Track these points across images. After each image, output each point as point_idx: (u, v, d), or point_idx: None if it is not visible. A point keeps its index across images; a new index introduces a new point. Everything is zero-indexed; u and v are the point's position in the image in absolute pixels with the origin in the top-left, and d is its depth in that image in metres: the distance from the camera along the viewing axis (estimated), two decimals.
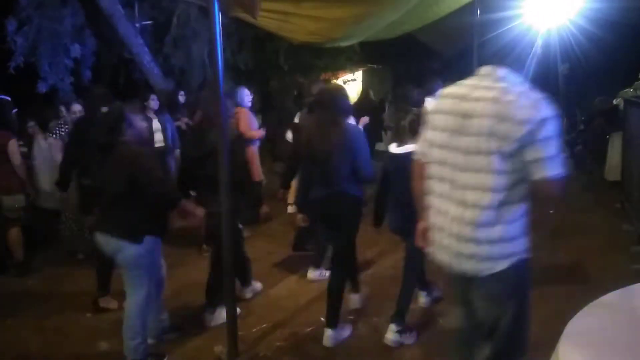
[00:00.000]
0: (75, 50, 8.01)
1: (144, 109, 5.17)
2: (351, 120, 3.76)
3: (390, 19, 4.27)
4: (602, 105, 8.01)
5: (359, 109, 6.31)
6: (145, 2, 9.08)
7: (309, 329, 3.47)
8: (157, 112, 5.54)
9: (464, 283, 2.07)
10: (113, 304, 3.83)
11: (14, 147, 4.44)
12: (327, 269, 4.23)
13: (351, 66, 12.84)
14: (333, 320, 3.30)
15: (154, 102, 5.58)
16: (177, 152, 5.83)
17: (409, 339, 3.27)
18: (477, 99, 1.90)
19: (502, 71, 1.94)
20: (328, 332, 3.28)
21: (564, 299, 3.44)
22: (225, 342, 3.09)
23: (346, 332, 3.39)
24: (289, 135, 5.77)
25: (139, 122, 3.05)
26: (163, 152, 5.35)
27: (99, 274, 3.86)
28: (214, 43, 2.83)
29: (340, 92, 3.44)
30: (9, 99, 4.90)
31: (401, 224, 3.19)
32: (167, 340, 3.33)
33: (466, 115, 1.90)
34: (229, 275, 3.07)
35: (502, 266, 1.91)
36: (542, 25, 6.43)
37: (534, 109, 1.79)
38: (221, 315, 3.34)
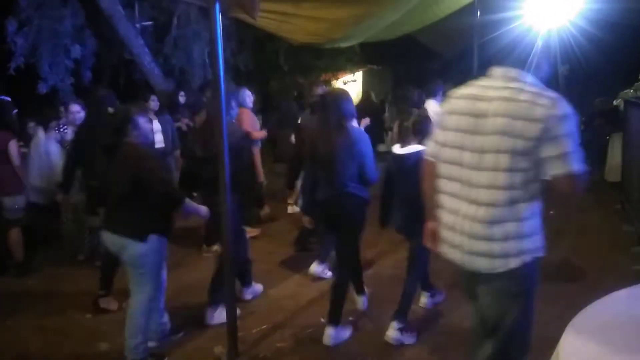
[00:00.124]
0: (76, 50, 8.00)
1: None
2: (354, 123, 3.77)
3: (390, 19, 4.27)
4: (603, 106, 8.03)
5: (360, 111, 6.33)
6: (146, 3, 9.08)
7: (309, 330, 3.47)
8: (157, 113, 5.55)
9: (475, 281, 2.07)
10: (113, 305, 3.83)
11: (14, 147, 4.44)
12: (330, 269, 4.26)
13: (351, 67, 12.86)
14: (335, 318, 3.31)
15: (154, 103, 5.59)
16: (177, 152, 5.84)
17: (409, 339, 3.27)
18: (491, 99, 1.92)
19: (514, 72, 1.96)
20: (329, 331, 3.29)
21: (564, 299, 3.44)
22: (225, 343, 3.09)
23: (346, 332, 3.39)
24: (293, 138, 5.78)
25: (145, 124, 3.09)
26: (163, 153, 5.36)
27: (102, 273, 3.86)
28: (214, 44, 2.84)
29: (344, 95, 3.48)
30: (9, 99, 4.90)
31: (405, 223, 3.23)
32: (168, 342, 3.33)
33: (480, 115, 1.92)
34: (229, 275, 3.07)
35: (516, 263, 1.92)
36: (542, 26, 6.44)
37: (550, 107, 1.81)
38: (222, 314, 3.34)
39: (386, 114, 10.67)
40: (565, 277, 4.18)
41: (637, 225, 4.98)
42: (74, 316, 3.78)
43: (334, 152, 3.18)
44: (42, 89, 7.90)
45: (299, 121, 5.62)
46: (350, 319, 3.60)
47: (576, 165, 1.80)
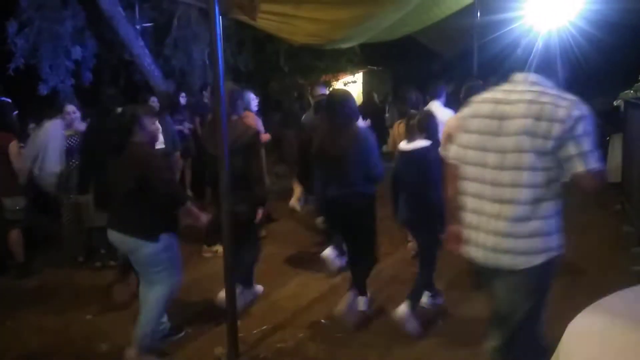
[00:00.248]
0: (76, 52, 8.01)
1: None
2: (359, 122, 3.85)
3: (390, 20, 4.27)
4: (603, 106, 8.01)
5: (363, 111, 6.37)
6: (146, 4, 9.09)
7: (309, 331, 3.47)
8: (158, 114, 5.54)
9: (495, 277, 2.16)
10: (123, 296, 3.86)
11: (14, 148, 4.44)
12: (342, 262, 4.33)
13: (351, 68, 12.85)
14: (363, 290, 3.59)
15: (153, 104, 5.59)
16: (178, 154, 5.85)
17: (414, 325, 3.32)
18: (514, 102, 2.04)
19: (534, 77, 2.09)
20: (361, 299, 3.59)
21: (564, 300, 3.43)
22: (225, 343, 3.09)
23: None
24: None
25: (151, 125, 3.13)
26: (164, 154, 5.36)
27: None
28: (214, 45, 2.84)
29: (349, 95, 3.57)
30: (9, 100, 4.91)
31: (411, 216, 3.36)
32: (168, 342, 3.33)
33: (503, 117, 2.04)
34: (229, 275, 3.07)
35: (538, 261, 2.02)
36: (542, 26, 6.44)
37: (570, 108, 1.93)
38: (243, 296, 3.57)
39: (387, 115, 10.72)
40: (564, 278, 4.17)
41: (637, 225, 4.98)
42: (74, 317, 3.78)
43: (343, 151, 3.28)
44: (43, 90, 7.91)
45: (302, 121, 5.65)
46: (351, 319, 3.60)
47: (594, 163, 1.91)
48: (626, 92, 7.40)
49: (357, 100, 10.54)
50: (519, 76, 2.13)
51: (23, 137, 4.76)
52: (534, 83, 2.07)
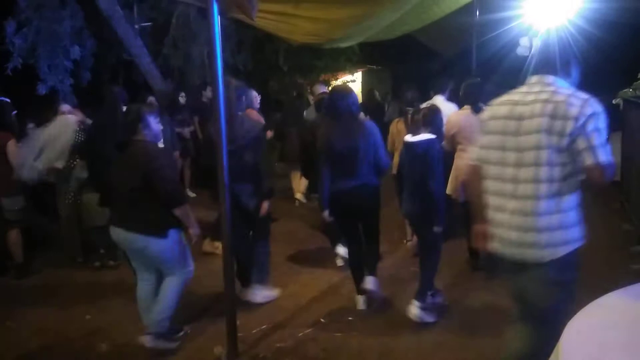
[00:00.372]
0: (75, 51, 7.98)
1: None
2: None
3: (389, 19, 4.28)
4: (601, 105, 8.00)
5: (364, 109, 6.39)
6: (145, 4, 9.06)
7: (309, 330, 3.47)
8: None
9: (520, 271, 2.24)
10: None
11: (13, 147, 4.44)
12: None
13: (350, 67, 12.85)
14: (373, 271, 3.73)
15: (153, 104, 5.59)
16: (177, 153, 5.84)
17: (430, 317, 3.47)
18: (531, 102, 2.16)
19: (549, 78, 2.21)
20: (370, 278, 3.70)
21: None
22: (225, 343, 3.09)
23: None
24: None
25: (155, 123, 3.16)
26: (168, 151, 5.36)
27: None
28: (213, 44, 2.84)
29: (351, 91, 3.69)
30: (8, 100, 4.90)
31: (415, 209, 3.44)
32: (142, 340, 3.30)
33: (521, 117, 2.16)
34: (228, 276, 3.07)
35: (563, 252, 2.14)
36: (541, 25, 6.44)
37: (582, 107, 2.04)
38: (263, 292, 3.80)
39: (387, 111, 10.79)
40: None
41: (636, 224, 4.99)
42: (74, 316, 3.78)
43: (353, 145, 3.39)
44: (42, 90, 7.89)
45: (304, 118, 5.68)
46: (350, 319, 3.60)
47: (603, 156, 2.01)
48: (625, 90, 7.39)
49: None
50: (534, 78, 2.25)
51: (22, 136, 4.74)
52: (548, 84, 2.19)
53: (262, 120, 5.29)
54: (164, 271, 3.19)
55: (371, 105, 11.00)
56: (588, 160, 2.02)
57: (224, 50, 2.90)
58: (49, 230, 5.22)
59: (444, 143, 3.94)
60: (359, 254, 3.75)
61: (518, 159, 2.16)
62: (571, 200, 2.15)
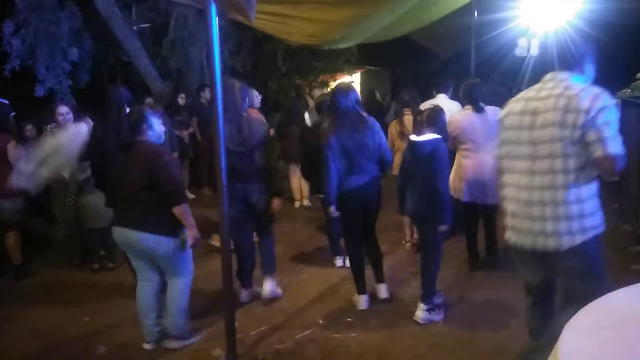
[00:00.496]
0: (73, 53, 7.98)
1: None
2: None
3: (387, 21, 4.28)
4: None
5: (366, 109, 6.40)
6: (143, 5, 9.07)
7: (307, 332, 3.46)
8: None
9: (541, 260, 2.33)
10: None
11: (13, 149, 4.43)
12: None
13: (349, 68, 12.85)
14: (382, 276, 3.81)
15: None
16: (176, 154, 5.83)
17: (437, 316, 3.49)
18: (544, 98, 2.26)
19: (563, 74, 2.30)
20: (382, 286, 3.81)
21: None
22: (223, 345, 3.08)
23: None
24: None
25: (159, 124, 3.18)
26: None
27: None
28: (211, 45, 2.83)
29: (353, 88, 3.76)
30: (6, 102, 4.89)
31: (421, 209, 3.44)
32: (167, 344, 3.32)
33: (536, 112, 2.27)
34: (228, 276, 3.06)
35: (581, 239, 2.20)
36: (539, 27, 6.45)
37: (594, 100, 2.12)
38: (271, 286, 3.85)
39: (388, 113, 10.80)
40: None
41: (635, 224, 4.98)
42: (72, 318, 3.77)
43: (363, 141, 3.48)
44: (40, 91, 7.88)
45: (306, 118, 5.71)
46: (349, 320, 3.59)
47: (613, 148, 2.10)
48: (623, 90, 7.41)
49: None
50: (548, 75, 2.35)
51: (20, 138, 4.74)
52: (562, 80, 2.28)
53: (263, 119, 5.31)
54: (170, 272, 3.18)
55: (372, 105, 11.01)
56: (598, 151, 2.10)
57: (222, 52, 2.90)
58: (47, 232, 5.21)
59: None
60: (361, 254, 3.76)
61: (536, 151, 2.25)
62: (588, 189, 2.22)
